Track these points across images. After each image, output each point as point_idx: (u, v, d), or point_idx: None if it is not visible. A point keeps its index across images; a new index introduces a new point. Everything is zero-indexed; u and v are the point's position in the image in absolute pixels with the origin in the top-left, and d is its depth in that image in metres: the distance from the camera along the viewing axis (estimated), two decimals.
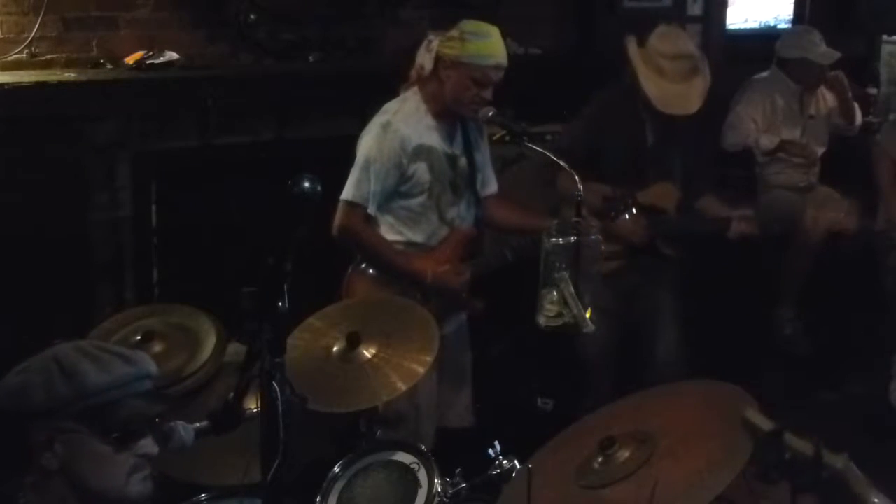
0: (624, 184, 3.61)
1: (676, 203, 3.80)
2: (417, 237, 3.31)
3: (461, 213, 3.38)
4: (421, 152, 3.23)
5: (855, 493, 1.57)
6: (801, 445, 1.62)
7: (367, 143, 3.21)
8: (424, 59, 3.26)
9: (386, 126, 3.21)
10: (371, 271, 3.32)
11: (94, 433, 1.77)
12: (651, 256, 3.80)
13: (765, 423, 1.68)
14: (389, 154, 3.18)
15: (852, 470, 1.60)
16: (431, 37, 3.30)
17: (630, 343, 4.00)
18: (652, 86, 3.63)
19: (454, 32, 3.21)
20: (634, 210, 3.47)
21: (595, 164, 3.61)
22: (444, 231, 3.35)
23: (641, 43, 3.76)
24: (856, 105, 5.28)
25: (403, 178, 3.23)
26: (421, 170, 3.24)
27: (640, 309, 3.93)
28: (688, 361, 4.02)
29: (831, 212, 4.33)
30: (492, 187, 3.53)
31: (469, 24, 3.22)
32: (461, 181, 3.36)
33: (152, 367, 1.90)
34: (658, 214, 3.74)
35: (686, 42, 3.81)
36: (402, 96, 3.33)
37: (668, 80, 3.63)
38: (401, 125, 3.21)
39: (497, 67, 3.21)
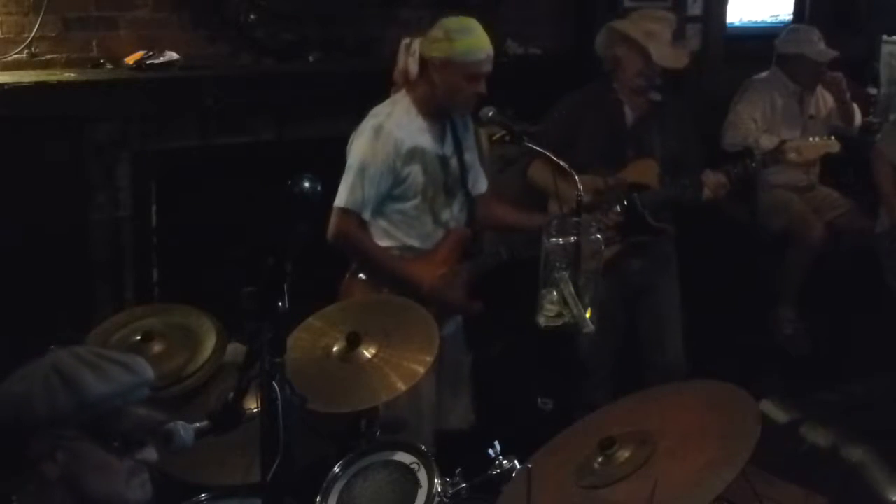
0: (604, 165, 3.71)
1: (657, 177, 3.83)
2: (412, 241, 3.29)
3: (455, 215, 3.37)
4: (415, 155, 3.21)
5: (873, 489, 1.55)
6: (817, 437, 1.61)
7: (360, 148, 3.18)
8: (408, 63, 3.23)
9: (378, 129, 3.18)
10: (367, 277, 3.29)
11: (95, 441, 1.77)
12: (646, 235, 3.82)
13: (780, 416, 1.67)
14: (384, 158, 3.16)
15: (871, 464, 1.57)
16: (408, 39, 3.27)
17: (631, 335, 4.02)
18: (647, 43, 3.75)
19: (438, 33, 3.18)
20: (626, 202, 3.50)
21: (573, 150, 3.65)
22: (438, 233, 3.33)
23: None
24: (855, 106, 5.28)
25: (397, 181, 3.20)
26: (415, 172, 3.22)
27: (645, 296, 3.96)
28: (688, 360, 4.04)
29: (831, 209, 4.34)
30: (482, 185, 3.52)
31: (451, 22, 3.19)
32: (453, 182, 3.35)
33: (151, 374, 1.88)
34: (641, 190, 3.76)
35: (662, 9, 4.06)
36: (391, 99, 3.31)
37: (658, 41, 3.77)
38: (393, 128, 3.19)
39: (488, 59, 3.19)
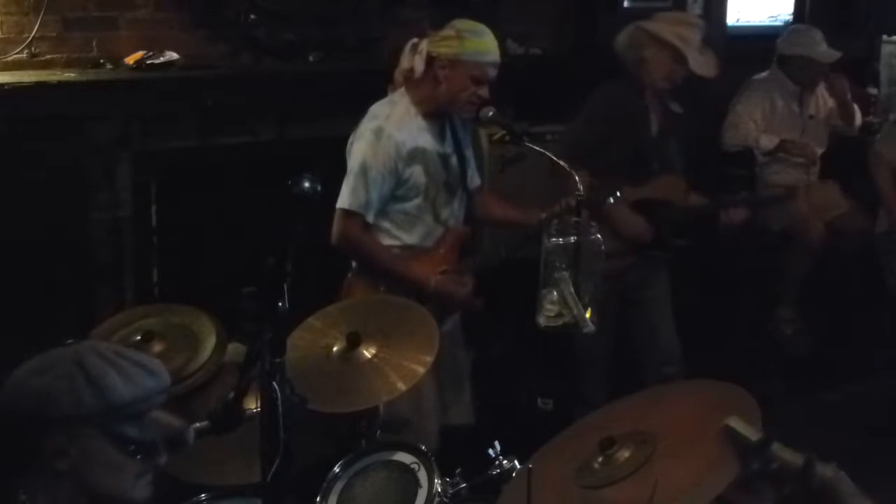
0: (631, 176, 3.67)
1: (683, 194, 3.81)
2: (413, 240, 3.29)
3: (454, 212, 3.38)
4: (416, 155, 3.21)
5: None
6: (789, 455, 1.61)
7: (362, 150, 3.17)
8: (414, 61, 3.22)
9: (379, 132, 3.18)
10: (368, 278, 3.28)
11: (110, 441, 1.77)
12: (661, 252, 3.81)
13: (751, 434, 1.67)
14: (385, 160, 3.15)
15: (843, 480, 1.58)
16: (416, 40, 3.28)
17: (624, 337, 4.02)
18: (683, 48, 3.71)
19: (449, 31, 3.20)
20: (619, 194, 3.51)
21: (601, 157, 3.65)
22: (438, 231, 3.34)
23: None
24: (855, 107, 5.29)
25: (400, 182, 3.20)
26: (417, 173, 3.22)
27: (641, 303, 3.96)
28: (687, 360, 4.04)
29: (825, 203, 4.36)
30: (477, 179, 3.54)
31: (463, 23, 3.22)
32: (454, 180, 3.35)
33: (168, 378, 1.89)
34: (667, 206, 3.75)
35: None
36: (389, 98, 3.31)
37: (691, 48, 3.73)
38: (394, 130, 3.18)
39: (494, 64, 3.22)
